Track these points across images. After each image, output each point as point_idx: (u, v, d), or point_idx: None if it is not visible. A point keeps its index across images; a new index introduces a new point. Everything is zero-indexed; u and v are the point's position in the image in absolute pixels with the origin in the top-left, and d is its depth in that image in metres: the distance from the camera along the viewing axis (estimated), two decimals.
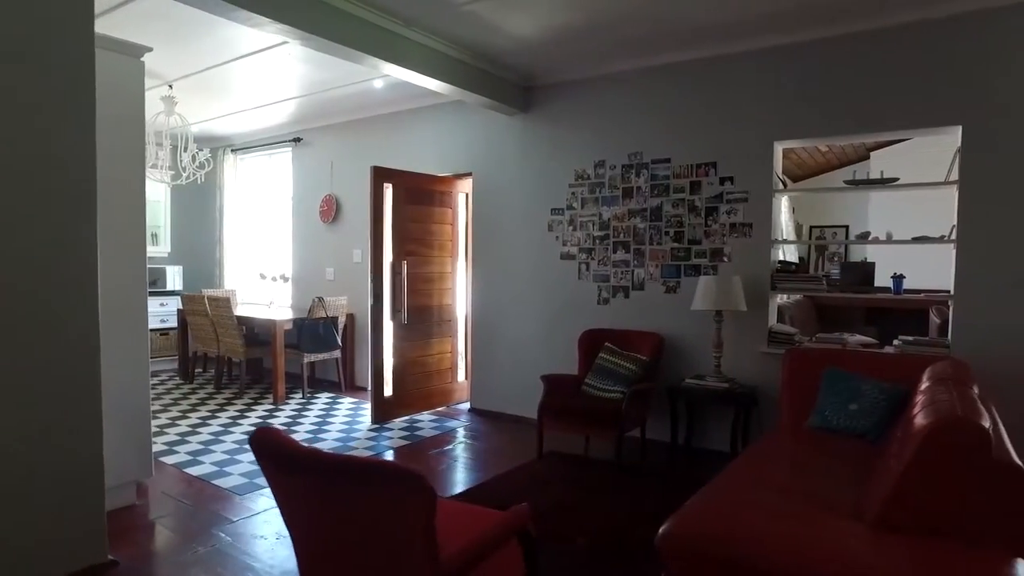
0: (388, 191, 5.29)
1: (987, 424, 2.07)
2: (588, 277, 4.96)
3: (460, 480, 4.05)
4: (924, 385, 2.87)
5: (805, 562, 1.98)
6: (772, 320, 4.39)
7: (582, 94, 4.97)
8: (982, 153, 3.60)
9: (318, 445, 4.60)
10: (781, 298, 6.12)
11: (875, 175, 5.93)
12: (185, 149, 5.44)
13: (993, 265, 3.60)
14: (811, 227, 7.96)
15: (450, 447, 4.71)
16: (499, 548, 2.06)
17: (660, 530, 2.18)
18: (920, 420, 2.29)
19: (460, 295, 5.93)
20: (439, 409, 5.77)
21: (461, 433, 5.08)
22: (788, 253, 7.13)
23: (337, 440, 4.74)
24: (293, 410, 5.61)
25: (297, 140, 6.94)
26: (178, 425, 5.06)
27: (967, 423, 2.05)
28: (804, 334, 4.46)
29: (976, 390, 2.73)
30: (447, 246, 5.81)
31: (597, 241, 4.90)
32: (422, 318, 5.59)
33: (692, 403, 4.31)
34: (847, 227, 7.58)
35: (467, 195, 5.79)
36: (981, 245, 3.63)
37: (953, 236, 3.72)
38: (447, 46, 4.44)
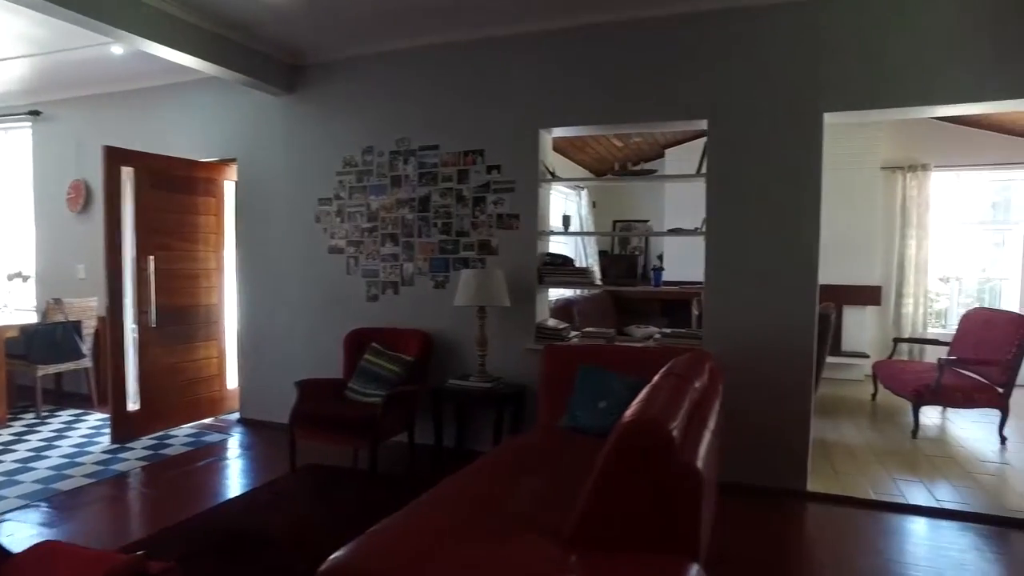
0: (128, 176, 4.58)
1: (674, 424, 1.95)
2: (357, 272, 4.58)
3: (192, 503, 3.50)
4: (653, 380, 2.78)
5: None
6: (544, 314, 4.26)
7: (350, 74, 4.57)
8: (725, 147, 3.67)
9: (21, 477, 3.83)
10: (572, 292, 6.12)
11: (671, 171, 6.10)
12: None
13: (736, 257, 3.68)
14: (615, 221, 8.13)
15: (199, 465, 4.14)
16: None
17: (321, 567, 1.86)
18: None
19: (230, 294, 5.31)
20: (205, 421, 5.14)
21: (220, 447, 4.51)
22: (588, 245, 7.20)
23: (51, 469, 3.98)
24: (14, 434, 4.72)
25: (36, 113, 5.93)
26: None
27: (649, 425, 1.91)
28: (593, 327, 4.38)
29: (700, 384, 2.67)
30: (211, 239, 5.18)
31: (366, 233, 4.54)
32: (180, 320, 4.93)
33: (459, 405, 4.08)
34: (647, 221, 7.82)
35: (235, 183, 5.19)
36: (726, 237, 3.70)
37: (704, 229, 3.77)
38: (180, 9, 3.86)
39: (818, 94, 3.48)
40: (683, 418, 2.10)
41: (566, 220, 4.06)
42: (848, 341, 7.07)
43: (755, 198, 3.61)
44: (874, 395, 6.03)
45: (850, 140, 6.86)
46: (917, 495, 3.62)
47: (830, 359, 6.88)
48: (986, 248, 7.19)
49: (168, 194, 4.82)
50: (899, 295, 7.05)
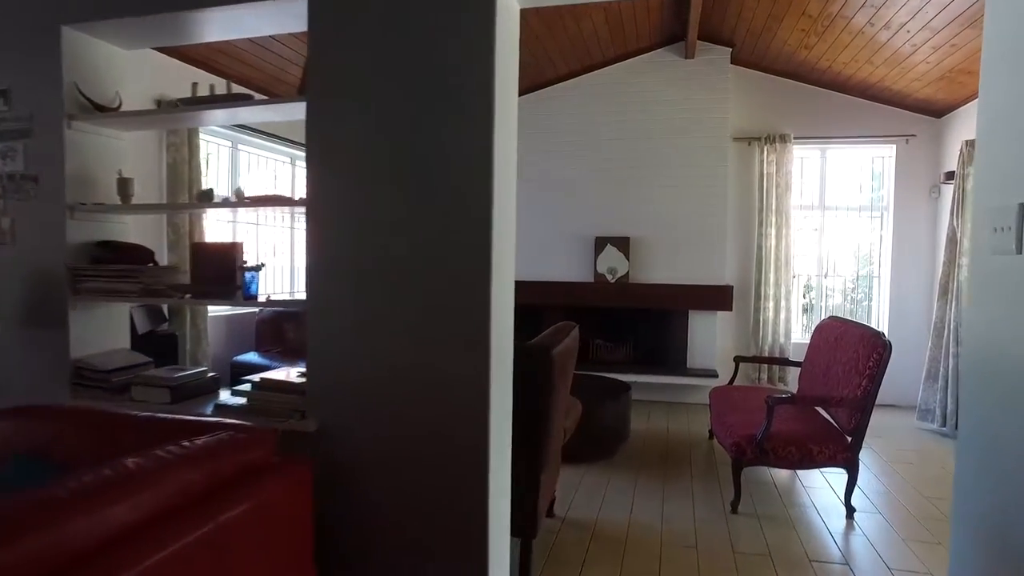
0: None
1: None
2: None
3: None
4: None
5: None
6: (103, 343, 2.57)
7: None
8: (326, 54, 2.07)
9: None
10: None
11: None
12: None
13: (350, 248, 2.08)
14: None
15: None
16: None
17: None
18: None
19: None
20: None
21: None
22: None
23: None
24: None
25: None
26: None
27: None
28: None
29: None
30: None
31: None
32: None
33: None
34: None
35: None
36: (337, 214, 2.10)
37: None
38: None
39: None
40: None
41: (122, 184, 2.38)
42: (695, 356, 5.66)
43: (381, 149, 2.02)
44: (712, 433, 4.60)
45: (692, 104, 5.45)
46: None
47: (673, 380, 5.47)
48: (864, 237, 5.90)
49: None
50: (757, 297, 5.68)
